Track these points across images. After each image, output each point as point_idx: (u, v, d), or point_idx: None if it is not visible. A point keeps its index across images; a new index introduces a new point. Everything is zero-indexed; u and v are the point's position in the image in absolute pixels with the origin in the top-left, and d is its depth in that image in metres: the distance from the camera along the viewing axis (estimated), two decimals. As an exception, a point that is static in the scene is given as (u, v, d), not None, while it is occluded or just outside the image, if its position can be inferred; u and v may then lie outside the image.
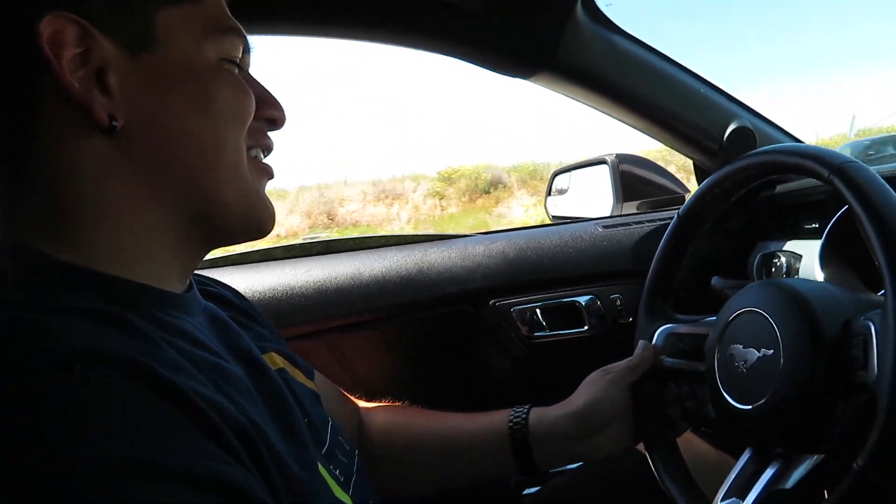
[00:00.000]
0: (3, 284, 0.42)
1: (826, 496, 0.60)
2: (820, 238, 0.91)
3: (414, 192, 14.07)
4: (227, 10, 0.51)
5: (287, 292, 1.07)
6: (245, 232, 0.53)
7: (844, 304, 0.64)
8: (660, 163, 1.55)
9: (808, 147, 0.72)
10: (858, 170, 0.64)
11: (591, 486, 0.94)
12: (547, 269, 1.15)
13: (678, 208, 0.88)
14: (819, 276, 0.90)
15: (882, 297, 0.58)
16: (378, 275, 1.11)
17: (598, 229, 1.20)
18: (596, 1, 1.02)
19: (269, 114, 0.54)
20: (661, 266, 0.88)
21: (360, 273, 1.10)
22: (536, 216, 11.19)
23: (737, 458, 0.70)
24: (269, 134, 0.56)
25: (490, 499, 1.04)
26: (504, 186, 14.07)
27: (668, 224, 0.88)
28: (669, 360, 0.82)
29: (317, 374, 0.72)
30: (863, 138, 9.49)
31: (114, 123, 0.44)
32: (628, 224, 1.21)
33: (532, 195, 13.40)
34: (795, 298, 0.65)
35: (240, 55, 0.52)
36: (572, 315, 1.15)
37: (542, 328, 1.15)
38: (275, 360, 0.61)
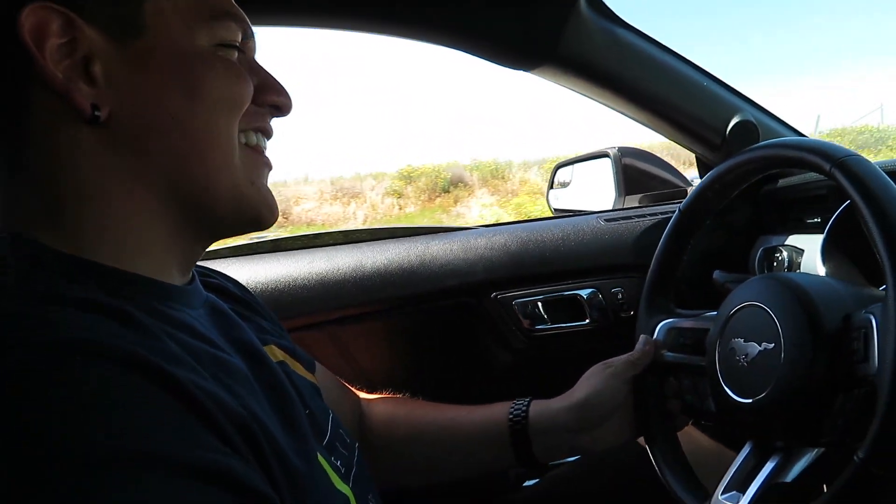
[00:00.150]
0: (3, 273, 0.42)
1: (826, 489, 0.60)
2: (822, 233, 0.91)
3: (372, 190, 13.75)
4: None
5: (290, 284, 1.07)
6: (239, 223, 0.52)
7: (845, 298, 0.64)
8: (666, 156, 1.54)
9: (810, 141, 0.72)
10: (859, 163, 0.64)
11: (590, 478, 0.94)
12: (549, 262, 1.15)
13: (680, 202, 0.88)
14: (821, 270, 0.90)
15: (883, 292, 0.58)
16: (380, 267, 1.11)
17: (600, 223, 1.20)
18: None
19: (274, 100, 0.53)
20: (663, 260, 0.88)
21: (363, 265, 1.10)
22: (492, 216, 10.99)
23: (737, 451, 0.70)
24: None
25: (490, 490, 1.05)
26: (465, 185, 13.75)
27: (670, 218, 0.88)
28: (670, 354, 0.82)
29: (318, 365, 0.72)
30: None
31: (97, 113, 0.44)
32: (630, 217, 1.21)
33: (493, 194, 13.11)
34: (796, 292, 0.65)
35: (238, 40, 0.50)
36: (574, 308, 1.15)
37: (543, 321, 1.15)
38: (275, 353, 0.61)
